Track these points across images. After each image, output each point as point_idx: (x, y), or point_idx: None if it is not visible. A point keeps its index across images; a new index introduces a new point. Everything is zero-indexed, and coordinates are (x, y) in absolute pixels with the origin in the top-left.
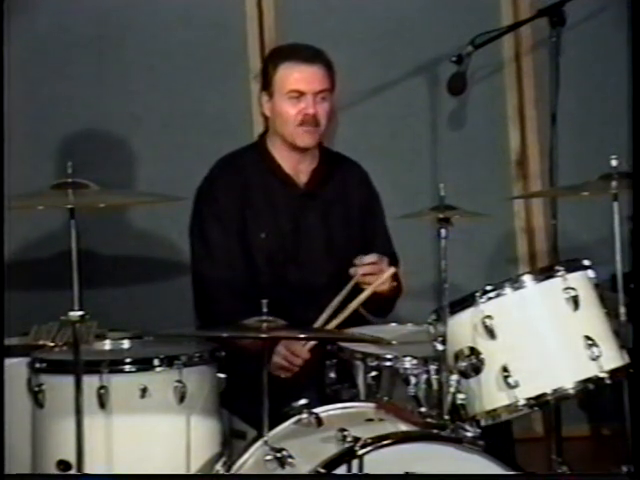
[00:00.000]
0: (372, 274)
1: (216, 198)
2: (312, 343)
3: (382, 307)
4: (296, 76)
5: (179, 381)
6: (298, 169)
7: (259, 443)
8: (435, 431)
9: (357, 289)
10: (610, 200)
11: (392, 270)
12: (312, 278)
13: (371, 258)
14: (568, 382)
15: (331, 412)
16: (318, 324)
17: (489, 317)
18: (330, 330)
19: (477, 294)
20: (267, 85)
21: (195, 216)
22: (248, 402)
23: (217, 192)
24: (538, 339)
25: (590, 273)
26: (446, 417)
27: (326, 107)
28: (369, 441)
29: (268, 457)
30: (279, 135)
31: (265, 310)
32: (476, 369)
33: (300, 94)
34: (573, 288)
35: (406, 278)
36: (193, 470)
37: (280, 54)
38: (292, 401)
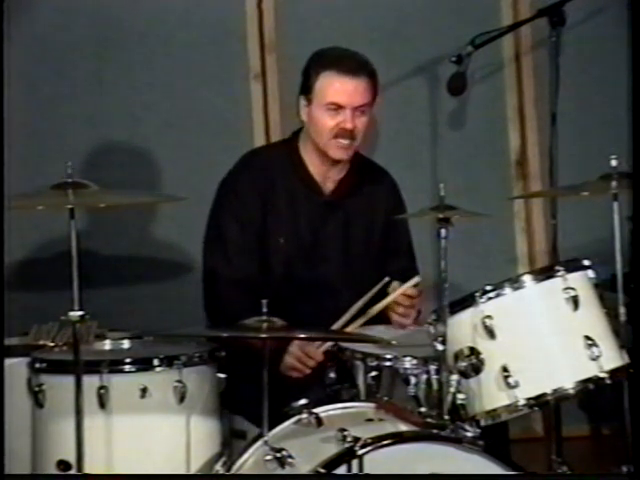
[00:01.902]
0: (406, 306)
1: (238, 194)
2: (326, 345)
3: None
4: (337, 88)
5: (179, 381)
6: (326, 176)
7: (259, 443)
8: (435, 431)
9: (378, 295)
10: (610, 200)
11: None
12: (326, 287)
13: (413, 292)
14: (568, 382)
15: (331, 412)
16: (336, 327)
17: (489, 317)
18: (330, 330)
19: (477, 294)
20: (307, 90)
21: (215, 210)
22: (251, 401)
23: (240, 188)
24: (538, 339)
25: (590, 273)
26: (446, 417)
27: (364, 121)
28: (369, 441)
29: (268, 457)
30: (313, 142)
31: (265, 310)
32: (476, 369)
33: (339, 107)
34: (573, 288)
35: None
36: (193, 470)
37: (323, 61)
38: (292, 401)
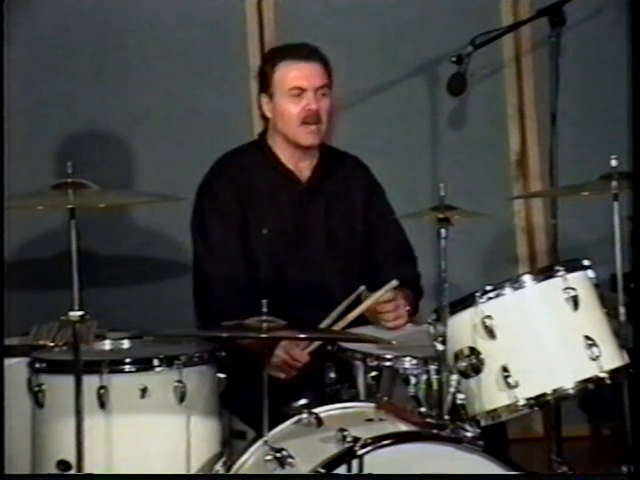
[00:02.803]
0: (389, 310)
1: (217, 193)
2: (312, 346)
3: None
4: (295, 73)
5: (179, 381)
6: (300, 166)
7: (259, 443)
8: (435, 431)
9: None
10: (610, 200)
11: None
12: (314, 274)
13: (389, 295)
14: (568, 382)
15: (331, 412)
16: (323, 326)
17: (489, 317)
18: (330, 330)
19: (477, 294)
20: (266, 86)
21: (196, 212)
22: (248, 402)
23: (218, 188)
24: (538, 339)
25: (590, 273)
26: (446, 417)
27: (326, 103)
28: (369, 441)
29: (268, 457)
30: (281, 134)
31: (265, 310)
32: (476, 369)
33: (301, 91)
34: (573, 288)
35: None
36: (193, 470)
37: (276, 54)
38: (292, 401)
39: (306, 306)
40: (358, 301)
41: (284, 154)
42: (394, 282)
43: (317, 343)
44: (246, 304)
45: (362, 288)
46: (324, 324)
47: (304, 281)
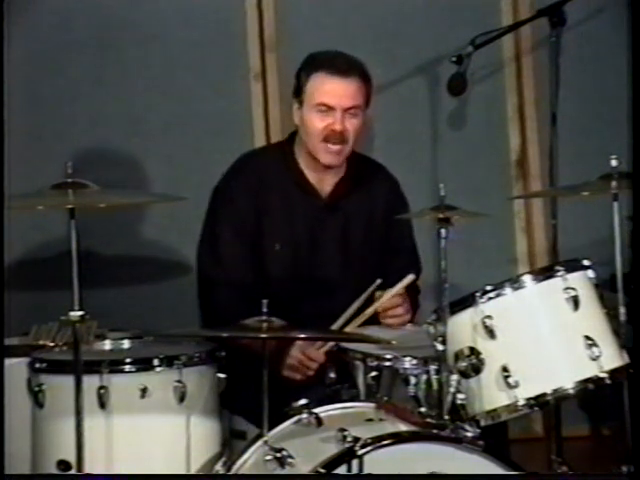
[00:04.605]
0: (394, 316)
1: (232, 199)
2: (327, 346)
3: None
4: (326, 89)
5: (179, 381)
6: (323, 179)
7: (259, 443)
8: (435, 431)
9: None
10: (610, 200)
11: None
12: (326, 291)
13: (395, 301)
14: (568, 382)
15: (331, 412)
16: (338, 324)
17: (489, 317)
18: (330, 330)
19: (477, 294)
20: (298, 92)
21: (209, 215)
22: (250, 401)
23: (234, 193)
24: (538, 339)
25: (590, 273)
26: (446, 417)
27: (355, 123)
28: (369, 441)
29: (268, 457)
30: (304, 145)
31: (265, 310)
32: (476, 369)
33: (329, 108)
34: (573, 288)
35: None
36: (193, 470)
37: (315, 62)
38: (292, 401)
39: (315, 322)
40: (371, 299)
41: (307, 165)
42: (411, 276)
43: (332, 343)
44: (251, 314)
45: (379, 281)
46: (338, 323)
47: (316, 299)
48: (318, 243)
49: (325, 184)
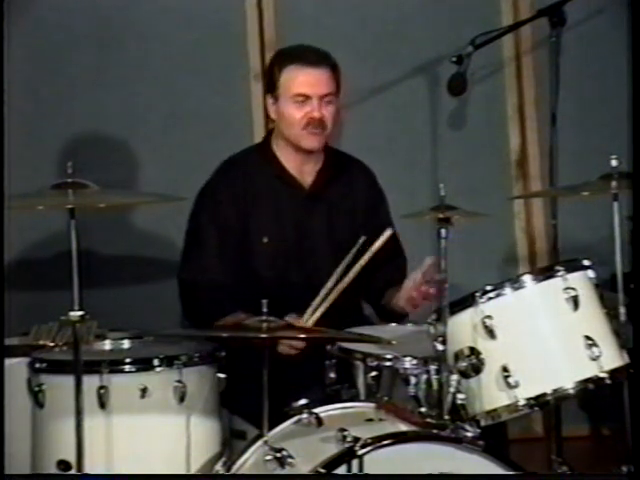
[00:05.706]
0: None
1: (217, 202)
2: (314, 317)
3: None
4: (301, 79)
5: (179, 381)
6: (303, 170)
7: (259, 443)
8: (435, 431)
9: (360, 251)
10: (610, 200)
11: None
12: (315, 282)
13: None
14: (568, 382)
15: (331, 412)
16: (327, 287)
17: (489, 317)
18: (330, 330)
19: (477, 294)
20: (272, 88)
21: (193, 218)
22: (250, 401)
23: (219, 196)
24: (538, 339)
25: (590, 273)
26: (446, 417)
27: (332, 110)
28: (369, 441)
29: (268, 457)
30: (284, 137)
31: (265, 310)
32: (476, 369)
33: (305, 98)
34: (573, 288)
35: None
36: (193, 470)
37: (285, 57)
38: (293, 401)
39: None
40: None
41: (287, 158)
42: (388, 231)
43: (318, 315)
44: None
45: (363, 238)
46: (330, 283)
47: (306, 288)
48: (305, 233)
49: (306, 175)
